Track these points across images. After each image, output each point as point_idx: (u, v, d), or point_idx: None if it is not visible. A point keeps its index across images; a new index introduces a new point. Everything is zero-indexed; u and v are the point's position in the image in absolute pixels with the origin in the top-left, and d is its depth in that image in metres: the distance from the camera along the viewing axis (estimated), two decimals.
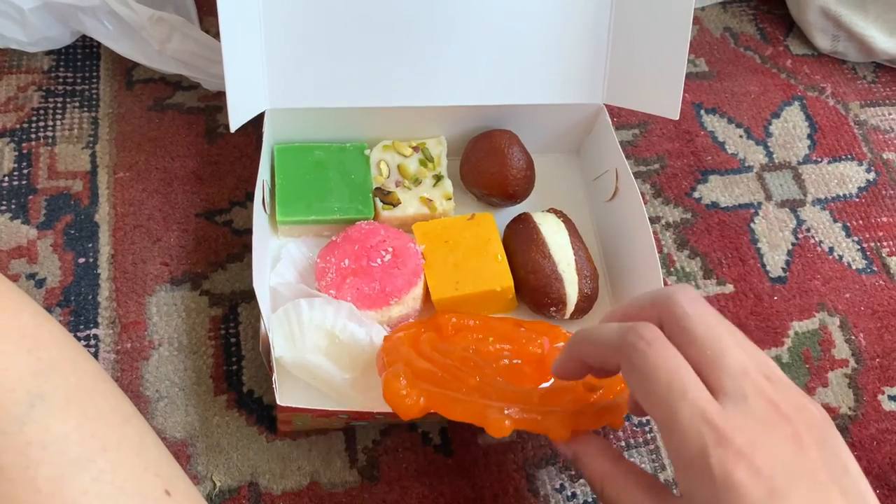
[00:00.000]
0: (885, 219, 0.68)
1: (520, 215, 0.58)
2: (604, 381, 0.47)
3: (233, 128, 0.52)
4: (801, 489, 0.32)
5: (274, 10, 0.54)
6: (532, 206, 0.61)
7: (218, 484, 0.50)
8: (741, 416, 0.34)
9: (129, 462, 0.33)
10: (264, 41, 0.55)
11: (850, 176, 0.70)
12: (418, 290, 0.55)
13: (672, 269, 0.63)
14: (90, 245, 0.57)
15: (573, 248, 0.55)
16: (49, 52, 0.66)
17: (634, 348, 0.35)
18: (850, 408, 0.58)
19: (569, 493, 0.52)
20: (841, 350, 0.60)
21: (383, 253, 0.54)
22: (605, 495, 0.39)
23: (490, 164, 0.58)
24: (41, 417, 0.31)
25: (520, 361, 0.49)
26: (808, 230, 0.66)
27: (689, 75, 0.74)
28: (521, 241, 0.56)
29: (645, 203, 0.65)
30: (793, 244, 0.65)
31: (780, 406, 0.34)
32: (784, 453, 0.33)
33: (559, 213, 0.58)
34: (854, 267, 0.65)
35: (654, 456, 0.54)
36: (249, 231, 0.58)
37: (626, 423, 0.55)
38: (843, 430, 0.57)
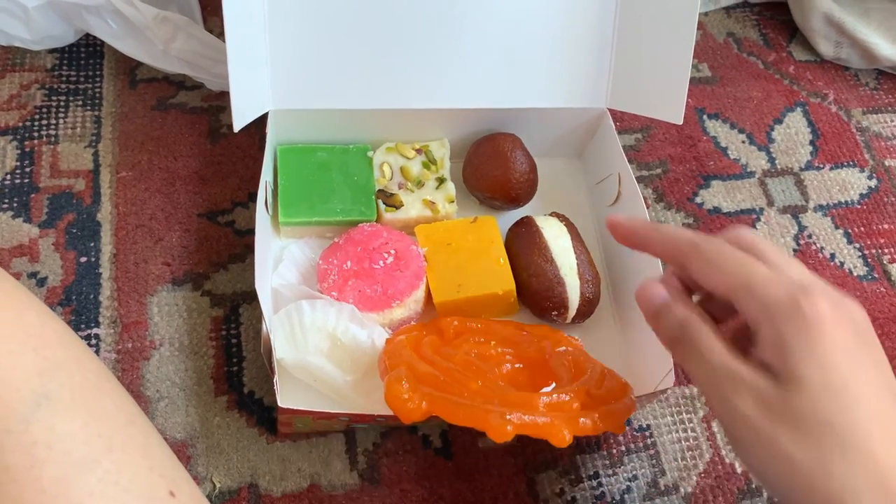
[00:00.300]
0: (886, 226, 0.68)
1: (522, 219, 0.58)
2: (606, 388, 0.47)
3: (236, 128, 0.52)
4: (876, 342, 0.37)
5: (278, 11, 0.54)
6: (534, 209, 0.61)
7: (218, 485, 0.50)
8: (823, 291, 0.37)
9: (134, 463, 0.33)
10: (268, 43, 0.55)
11: (852, 182, 0.70)
12: (420, 293, 0.54)
13: None
14: (92, 244, 0.57)
15: (575, 252, 0.55)
16: (52, 51, 0.66)
17: (708, 242, 0.40)
18: None
19: (568, 498, 0.52)
20: None
21: (385, 255, 0.54)
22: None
23: (493, 168, 0.58)
24: (47, 417, 0.31)
25: (521, 366, 0.49)
26: (809, 236, 0.66)
27: (691, 80, 0.74)
28: (523, 244, 0.56)
29: (647, 208, 0.64)
30: (794, 250, 0.65)
31: (839, 293, 0.37)
32: (856, 315, 0.37)
33: (562, 217, 0.58)
34: (855, 274, 0.65)
35: (654, 461, 0.54)
36: (251, 232, 0.58)
37: (627, 429, 0.55)
38: None
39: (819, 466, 0.34)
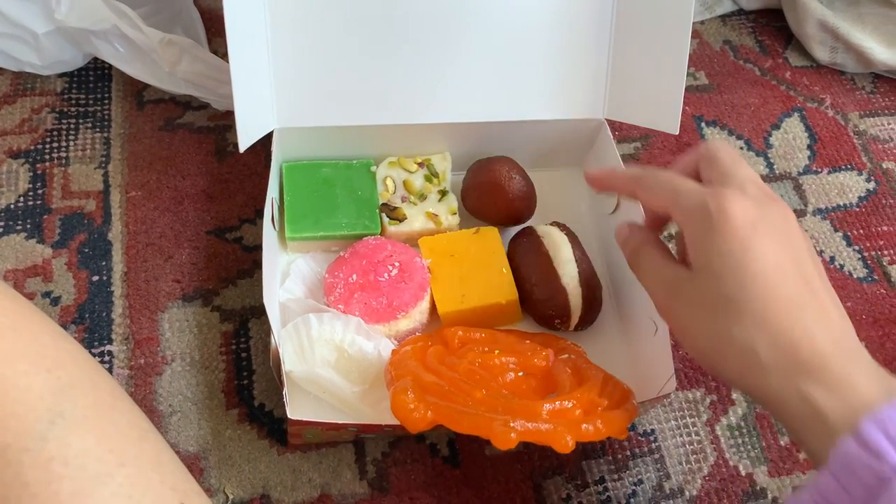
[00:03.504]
0: (885, 228, 0.68)
1: (524, 229, 0.59)
2: (608, 394, 0.48)
3: (242, 148, 0.54)
4: (780, 234, 0.41)
5: (281, 32, 0.55)
6: (536, 219, 0.62)
7: (230, 497, 0.51)
8: (737, 191, 0.42)
9: (146, 477, 0.34)
10: (272, 63, 0.56)
11: (851, 186, 0.71)
12: (425, 304, 0.55)
13: None
14: (104, 263, 0.59)
15: (577, 261, 0.56)
16: (62, 75, 0.67)
17: (648, 173, 0.48)
18: None
19: (575, 503, 0.53)
20: None
21: (390, 268, 0.55)
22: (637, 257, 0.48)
23: (492, 200, 0.59)
24: (62, 434, 0.32)
25: (524, 374, 0.50)
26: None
27: (689, 88, 0.75)
28: (525, 254, 0.57)
29: None
30: None
31: (771, 195, 0.43)
32: (772, 215, 0.42)
33: (563, 227, 0.59)
34: (855, 276, 0.65)
35: (659, 465, 0.55)
36: (259, 247, 0.59)
37: (631, 433, 0.56)
38: None
39: (721, 332, 0.41)
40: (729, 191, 0.42)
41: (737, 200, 0.41)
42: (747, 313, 0.40)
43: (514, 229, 0.60)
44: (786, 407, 0.39)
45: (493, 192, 0.59)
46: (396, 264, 0.55)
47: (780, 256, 0.41)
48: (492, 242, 0.58)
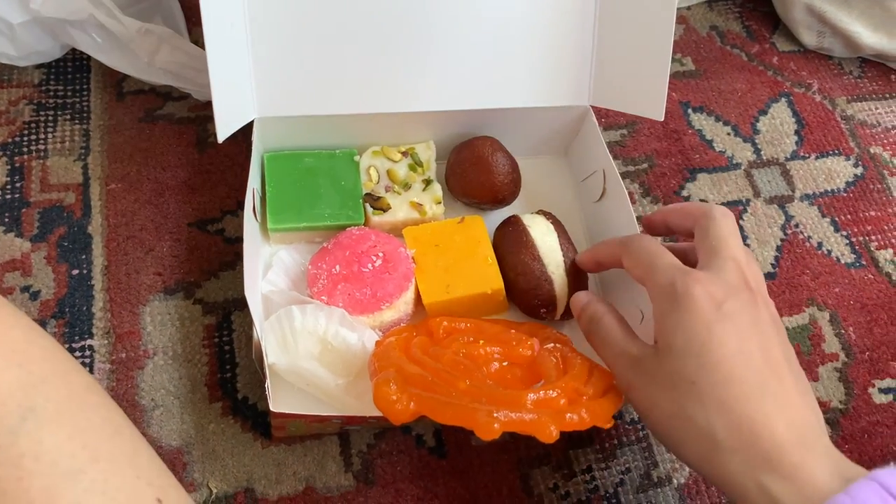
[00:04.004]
0: (872, 213, 0.68)
1: (509, 218, 0.58)
2: (593, 383, 0.47)
3: (220, 139, 0.53)
4: (746, 319, 0.41)
5: (260, 19, 0.54)
6: (521, 208, 0.61)
7: (214, 491, 0.50)
8: (712, 274, 0.43)
9: (120, 472, 0.33)
10: (251, 51, 0.55)
11: (838, 171, 0.70)
12: (409, 295, 0.55)
13: None
14: (83, 256, 0.58)
15: (562, 250, 0.56)
16: (39, 66, 0.66)
17: (632, 241, 0.48)
18: (840, 402, 0.58)
19: (562, 492, 0.52)
20: (831, 344, 0.61)
21: (374, 258, 0.54)
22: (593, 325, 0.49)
23: (476, 174, 0.59)
24: (33, 430, 0.32)
25: (509, 364, 0.49)
26: (796, 226, 0.67)
27: (675, 74, 0.74)
28: (510, 243, 0.57)
29: (633, 203, 0.65)
30: (781, 240, 0.66)
31: (748, 281, 0.43)
32: (739, 300, 0.42)
33: (548, 215, 0.58)
34: (843, 261, 0.65)
35: (647, 454, 0.54)
36: (241, 239, 0.58)
37: (618, 422, 0.55)
38: (834, 423, 0.57)
39: (682, 414, 0.41)
40: (700, 273, 0.43)
41: (704, 283, 0.42)
42: (708, 397, 0.40)
43: (499, 219, 0.59)
44: (745, 495, 0.39)
45: (477, 167, 0.58)
46: (380, 255, 0.55)
47: (743, 341, 0.41)
48: (477, 232, 0.57)
